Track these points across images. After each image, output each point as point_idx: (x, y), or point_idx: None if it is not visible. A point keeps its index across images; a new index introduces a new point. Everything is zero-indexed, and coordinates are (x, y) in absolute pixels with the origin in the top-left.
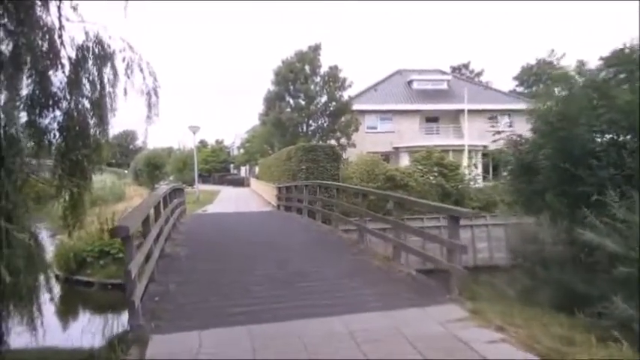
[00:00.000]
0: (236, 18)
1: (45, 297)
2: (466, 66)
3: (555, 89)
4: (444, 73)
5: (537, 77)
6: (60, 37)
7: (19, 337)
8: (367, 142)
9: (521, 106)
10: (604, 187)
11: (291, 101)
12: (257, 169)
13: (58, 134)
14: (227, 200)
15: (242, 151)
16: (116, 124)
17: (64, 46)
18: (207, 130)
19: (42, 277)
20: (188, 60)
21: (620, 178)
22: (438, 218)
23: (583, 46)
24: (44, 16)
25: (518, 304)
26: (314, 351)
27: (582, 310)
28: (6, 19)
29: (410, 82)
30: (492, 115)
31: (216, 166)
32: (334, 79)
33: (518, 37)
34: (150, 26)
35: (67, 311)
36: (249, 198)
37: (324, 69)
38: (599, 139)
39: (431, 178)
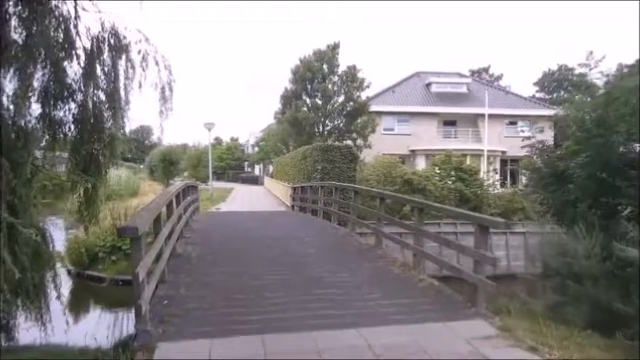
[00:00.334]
0: (254, 16)
1: (53, 293)
2: (486, 70)
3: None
4: (462, 76)
5: (559, 83)
6: (75, 26)
7: (28, 333)
8: (383, 144)
9: (544, 112)
10: None
11: (308, 100)
12: (271, 167)
13: (72, 127)
14: (241, 198)
15: (256, 149)
16: (131, 119)
17: (80, 37)
18: (222, 127)
19: (49, 274)
20: (205, 58)
21: None
22: (454, 224)
23: (606, 51)
24: (59, 5)
25: (547, 321)
26: None
27: (619, 331)
28: (19, 7)
29: (428, 85)
30: (512, 121)
31: (231, 163)
32: (352, 79)
33: (539, 42)
34: (167, 23)
35: (77, 307)
36: (263, 197)
37: (342, 68)
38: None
39: (449, 182)
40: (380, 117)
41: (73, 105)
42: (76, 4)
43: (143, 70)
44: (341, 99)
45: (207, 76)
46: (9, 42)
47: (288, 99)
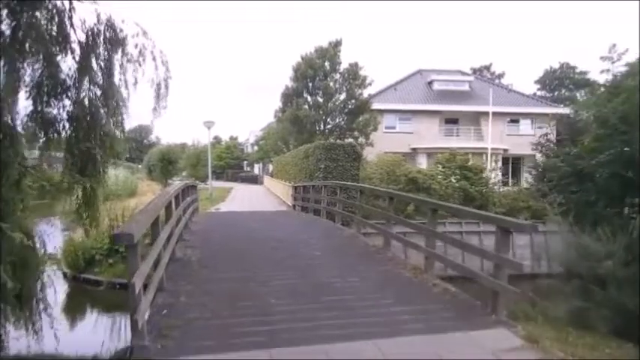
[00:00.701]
0: (254, 14)
1: (48, 300)
2: (487, 68)
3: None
4: (464, 74)
5: (560, 81)
6: (70, 18)
7: (19, 342)
8: (385, 142)
9: (547, 109)
10: None
11: (309, 98)
12: (271, 166)
13: (67, 125)
14: (241, 198)
15: (256, 148)
16: (130, 118)
17: (74, 29)
18: (221, 126)
19: (37, 282)
20: (206, 57)
21: None
22: (460, 223)
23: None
24: None
25: (572, 328)
26: None
27: None
28: None
29: (430, 83)
30: (513, 119)
31: (230, 162)
32: (354, 77)
33: (541, 41)
34: (168, 23)
35: (73, 311)
36: (264, 196)
37: (344, 66)
38: None
39: (453, 180)
40: (381, 115)
41: (67, 102)
42: None
43: (140, 65)
44: (342, 97)
45: (207, 75)
46: None
47: (289, 97)
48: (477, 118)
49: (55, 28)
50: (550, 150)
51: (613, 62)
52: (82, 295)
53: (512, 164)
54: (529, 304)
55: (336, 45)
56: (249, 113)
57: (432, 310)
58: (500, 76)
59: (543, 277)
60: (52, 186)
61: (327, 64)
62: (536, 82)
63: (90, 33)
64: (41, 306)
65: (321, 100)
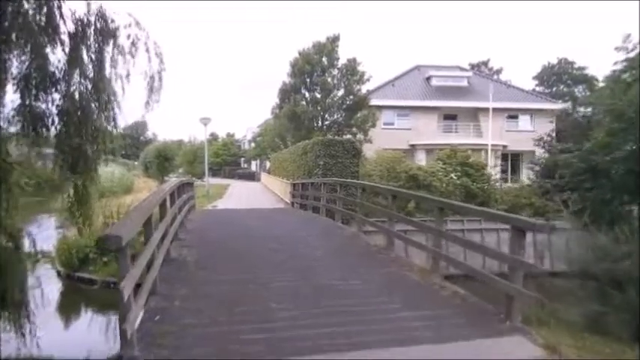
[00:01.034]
0: (251, 11)
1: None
2: (485, 63)
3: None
4: (463, 69)
5: (558, 77)
6: (59, 8)
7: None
8: (383, 139)
9: (546, 105)
10: None
11: (307, 94)
12: (268, 163)
13: (57, 119)
14: (238, 195)
15: (253, 145)
16: (125, 114)
17: (64, 20)
18: (218, 123)
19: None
20: (203, 53)
21: None
22: (462, 221)
23: (602, 45)
24: None
25: (589, 333)
26: None
27: None
28: None
29: (428, 79)
30: (512, 115)
31: (227, 159)
32: (352, 72)
33: (539, 36)
34: (165, 20)
35: (67, 311)
36: (261, 193)
37: (342, 61)
38: None
39: (454, 177)
40: (380, 111)
41: (57, 96)
42: None
43: (132, 57)
44: (341, 92)
45: (204, 71)
46: None
47: (287, 93)
48: (475, 114)
49: (43, 18)
50: (552, 146)
51: (628, 52)
52: (75, 294)
53: (511, 160)
54: (539, 306)
55: (334, 40)
56: (246, 110)
57: (443, 316)
58: (498, 71)
59: (546, 276)
60: (40, 183)
61: (324, 59)
62: (534, 77)
63: (80, 24)
64: (30, 308)
65: (319, 96)
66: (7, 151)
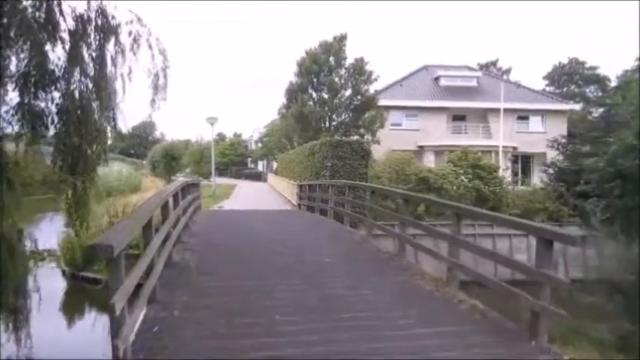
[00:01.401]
0: (258, 8)
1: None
2: (494, 63)
3: None
4: (472, 69)
5: (569, 77)
6: (59, 5)
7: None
8: (391, 140)
9: (558, 106)
10: None
11: (314, 94)
12: (275, 164)
13: (56, 118)
14: (244, 196)
15: (260, 145)
16: (123, 112)
17: (64, 17)
18: (225, 123)
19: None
20: (210, 53)
21: None
22: (473, 225)
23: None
24: None
25: (619, 353)
26: None
27: None
28: None
29: (437, 79)
30: (522, 115)
31: (234, 159)
32: (360, 72)
33: (549, 35)
34: (170, 20)
35: (71, 310)
36: (268, 194)
37: (349, 61)
38: None
39: (465, 180)
40: (387, 111)
41: (56, 94)
42: None
43: (134, 54)
44: (348, 93)
45: (211, 71)
46: None
47: (294, 93)
48: (485, 114)
49: (43, 15)
50: (572, 149)
51: None
52: (79, 294)
53: (521, 163)
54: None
55: (341, 39)
56: (253, 110)
57: (463, 334)
58: (507, 71)
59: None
60: (36, 183)
61: (332, 59)
62: (545, 77)
63: (80, 20)
64: (27, 311)
65: (326, 96)
66: (1, 149)
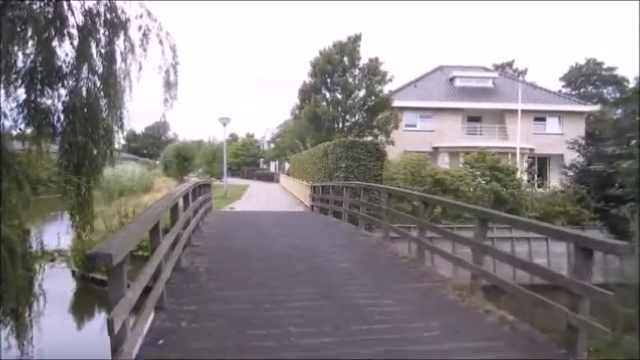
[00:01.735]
0: (272, 8)
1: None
2: (510, 64)
3: None
4: (487, 70)
5: (586, 78)
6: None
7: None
8: (405, 141)
9: (576, 107)
10: None
11: (328, 94)
12: (287, 165)
13: (62, 116)
14: (256, 197)
15: (272, 145)
16: (133, 112)
17: (73, 12)
18: (238, 123)
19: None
20: (223, 54)
21: None
22: (491, 229)
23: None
24: None
25: None
26: None
27: None
28: None
29: (452, 79)
30: (538, 117)
31: (246, 160)
32: (374, 72)
33: (565, 37)
34: (184, 18)
35: (80, 312)
36: (280, 195)
37: (363, 61)
38: None
39: (482, 182)
40: (401, 112)
41: (63, 91)
42: None
43: (144, 49)
44: (362, 93)
45: (224, 71)
46: None
47: (307, 93)
48: (501, 115)
49: (51, 10)
50: (587, 149)
51: None
52: (88, 295)
53: (537, 164)
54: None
55: (356, 40)
56: (266, 110)
57: (495, 350)
58: (523, 73)
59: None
60: (40, 183)
61: (346, 59)
62: (561, 78)
63: (89, 15)
64: (30, 317)
65: (339, 96)
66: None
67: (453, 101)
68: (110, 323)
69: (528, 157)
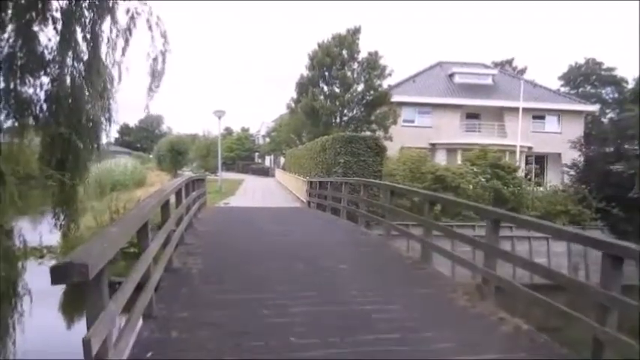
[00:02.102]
0: (270, 1)
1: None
2: (509, 62)
3: None
4: (487, 67)
5: (585, 77)
6: None
7: None
8: (403, 136)
9: (575, 106)
10: None
11: (326, 88)
12: (282, 159)
13: (45, 106)
14: (252, 191)
15: (268, 140)
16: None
17: None
18: (233, 117)
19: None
20: (218, 46)
21: None
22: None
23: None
24: None
25: None
26: None
27: None
28: None
29: (451, 75)
30: (537, 115)
31: (241, 154)
32: (373, 66)
33: (564, 36)
34: (179, 8)
35: (70, 312)
36: (275, 190)
37: (362, 55)
38: None
39: (483, 180)
40: (400, 108)
41: (45, 79)
42: None
43: (130, 34)
44: (361, 87)
45: (219, 65)
46: None
47: (305, 86)
48: (500, 113)
49: None
50: (589, 149)
51: None
52: (79, 293)
53: (535, 163)
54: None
55: (355, 33)
56: (261, 104)
57: None
58: (523, 71)
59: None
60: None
61: (345, 52)
62: (560, 78)
63: None
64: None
65: (337, 90)
66: None
67: (452, 97)
68: (87, 344)
69: (526, 156)
